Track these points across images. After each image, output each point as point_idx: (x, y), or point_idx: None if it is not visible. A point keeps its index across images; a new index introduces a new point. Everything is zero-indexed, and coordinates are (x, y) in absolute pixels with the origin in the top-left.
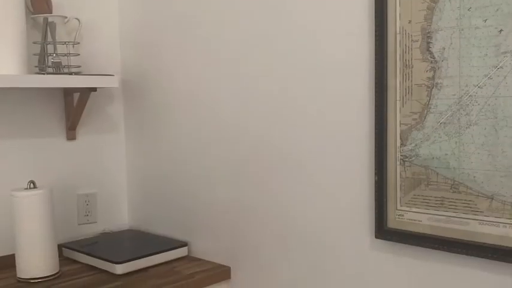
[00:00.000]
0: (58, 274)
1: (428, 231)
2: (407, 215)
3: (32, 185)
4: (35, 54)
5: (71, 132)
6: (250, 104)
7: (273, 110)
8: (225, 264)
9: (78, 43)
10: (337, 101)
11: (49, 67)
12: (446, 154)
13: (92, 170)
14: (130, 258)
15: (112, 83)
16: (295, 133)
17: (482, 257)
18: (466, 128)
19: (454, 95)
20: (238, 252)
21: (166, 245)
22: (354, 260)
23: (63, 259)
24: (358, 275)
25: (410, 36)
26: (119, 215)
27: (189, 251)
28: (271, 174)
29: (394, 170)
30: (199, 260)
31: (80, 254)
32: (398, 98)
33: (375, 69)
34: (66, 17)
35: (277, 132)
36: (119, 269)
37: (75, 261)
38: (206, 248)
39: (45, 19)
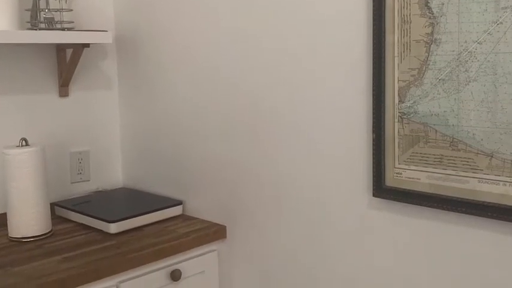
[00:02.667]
0: (50, 233)
1: (426, 190)
2: (405, 173)
3: (23, 143)
4: (27, 10)
5: (63, 89)
6: (246, 62)
7: (269, 68)
8: (220, 223)
9: None
10: (334, 58)
11: (41, 23)
12: (445, 111)
13: (85, 127)
14: (124, 217)
15: (105, 38)
16: (291, 91)
17: (481, 216)
18: (465, 84)
19: (453, 51)
20: (234, 211)
21: (160, 203)
22: (352, 219)
23: (55, 218)
24: (356, 234)
25: None
26: (113, 173)
27: (183, 209)
28: (267, 133)
29: (392, 128)
30: (194, 218)
31: (73, 212)
32: (396, 54)
33: (373, 24)
34: None
35: (273, 91)
36: (113, 228)
37: (67, 220)
38: (201, 207)
39: None
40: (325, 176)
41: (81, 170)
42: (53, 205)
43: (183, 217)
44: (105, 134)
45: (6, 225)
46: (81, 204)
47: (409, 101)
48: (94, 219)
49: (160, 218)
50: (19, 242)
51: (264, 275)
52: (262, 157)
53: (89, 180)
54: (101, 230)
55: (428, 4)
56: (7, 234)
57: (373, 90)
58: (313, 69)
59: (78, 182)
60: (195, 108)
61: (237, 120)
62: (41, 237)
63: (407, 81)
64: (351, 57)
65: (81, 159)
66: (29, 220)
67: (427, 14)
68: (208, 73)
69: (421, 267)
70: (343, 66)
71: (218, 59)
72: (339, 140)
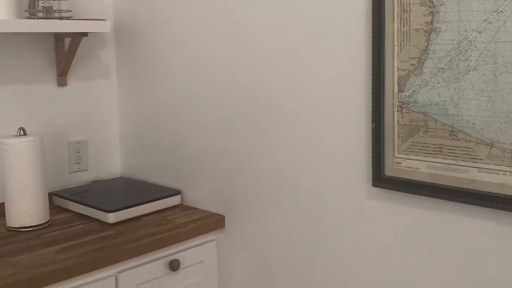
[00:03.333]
0: (48, 223)
1: (426, 179)
2: (405, 163)
3: (22, 132)
4: None
5: (61, 78)
6: (245, 50)
7: (268, 57)
8: (219, 212)
9: None
10: (334, 47)
11: (39, 11)
12: (445, 100)
13: (83, 116)
14: (122, 207)
15: (104, 28)
16: (290, 81)
17: (481, 205)
18: (465, 73)
19: (453, 40)
20: (232, 201)
21: (159, 193)
22: (351, 208)
23: (53, 208)
24: (355, 223)
25: None
26: (111, 162)
27: (182, 199)
28: (266, 123)
29: (392, 117)
30: (193, 208)
31: (71, 202)
32: (396, 43)
33: (372, 13)
34: None
35: (272, 81)
36: (111, 217)
37: (66, 210)
38: (199, 196)
39: None
40: (324, 166)
41: (79, 159)
42: (51, 195)
43: (181, 207)
44: (104, 124)
45: (4, 215)
46: (79, 193)
47: (408, 90)
48: (92, 209)
49: (159, 208)
50: (17, 231)
51: (262, 264)
52: (261, 146)
53: (87, 170)
54: (99, 220)
55: None
56: (5, 224)
57: (372, 80)
58: (313, 58)
59: (76, 171)
60: (194, 97)
61: (236, 110)
62: (39, 227)
63: (406, 71)
64: (350, 46)
65: (80, 148)
66: (27, 210)
67: (427, 2)
68: (207, 62)
69: (420, 256)
70: (343, 56)
71: (217, 48)
72: (339, 129)
